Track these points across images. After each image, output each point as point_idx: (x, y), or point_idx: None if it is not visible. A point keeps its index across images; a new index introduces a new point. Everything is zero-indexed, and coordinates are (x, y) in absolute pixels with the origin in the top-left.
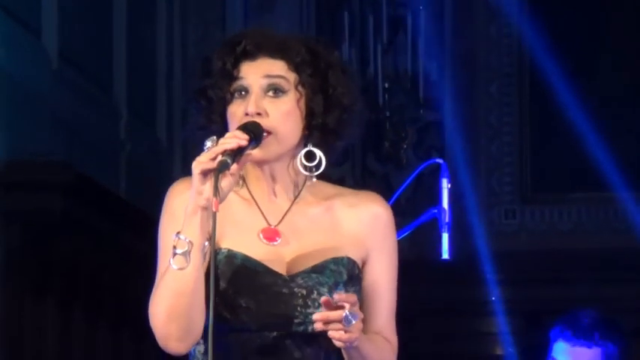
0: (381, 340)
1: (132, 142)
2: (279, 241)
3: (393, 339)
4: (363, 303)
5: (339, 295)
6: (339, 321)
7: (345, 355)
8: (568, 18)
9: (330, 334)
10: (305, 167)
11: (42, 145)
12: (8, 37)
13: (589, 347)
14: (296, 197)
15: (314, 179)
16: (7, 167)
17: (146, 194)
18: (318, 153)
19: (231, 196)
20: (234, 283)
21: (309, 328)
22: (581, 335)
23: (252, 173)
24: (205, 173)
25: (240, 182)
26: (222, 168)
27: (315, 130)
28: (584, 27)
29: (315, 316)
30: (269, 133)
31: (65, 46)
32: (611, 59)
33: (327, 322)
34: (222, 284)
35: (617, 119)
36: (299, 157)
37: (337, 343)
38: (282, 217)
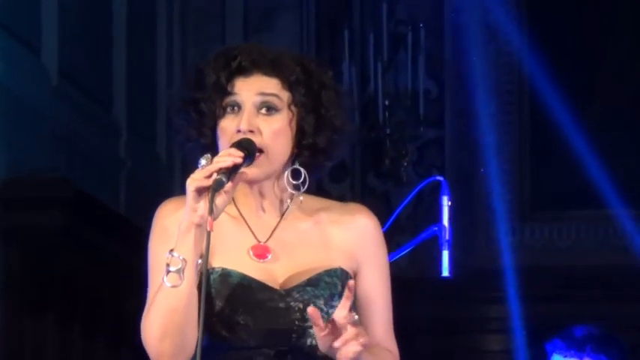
0: (381, 351)
1: (132, 159)
2: (269, 257)
3: (394, 348)
4: (358, 315)
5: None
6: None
7: None
8: (567, 37)
9: (345, 350)
10: (291, 185)
11: (42, 162)
12: (8, 54)
13: (580, 358)
14: (284, 213)
15: (301, 198)
16: (7, 184)
17: (146, 211)
18: (303, 171)
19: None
20: (230, 301)
21: (308, 342)
22: (573, 347)
23: (240, 190)
24: (200, 191)
25: None
26: (217, 187)
27: (304, 149)
28: (583, 46)
29: (335, 344)
30: (261, 151)
31: (65, 64)
32: (610, 78)
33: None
34: (219, 303)
35: (616, 137)
36: (285, 175)
37: (353, 354)
38: (271, 234)
